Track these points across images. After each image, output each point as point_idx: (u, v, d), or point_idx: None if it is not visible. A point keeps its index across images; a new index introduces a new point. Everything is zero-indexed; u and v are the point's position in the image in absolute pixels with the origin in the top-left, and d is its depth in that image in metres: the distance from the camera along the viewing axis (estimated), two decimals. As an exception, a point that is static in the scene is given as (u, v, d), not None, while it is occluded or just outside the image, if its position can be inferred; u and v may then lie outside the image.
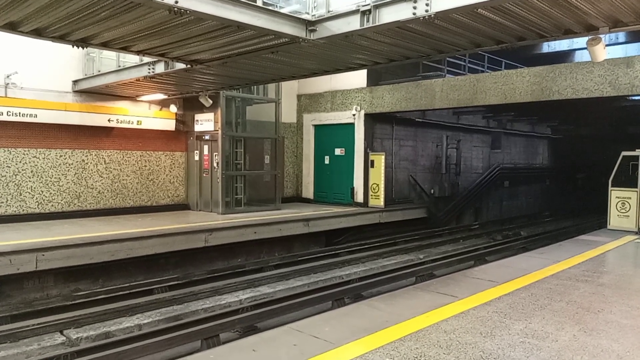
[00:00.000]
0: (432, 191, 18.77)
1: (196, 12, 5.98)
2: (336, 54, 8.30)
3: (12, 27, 7.19)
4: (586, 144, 27.02)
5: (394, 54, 8.22)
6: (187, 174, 15.44)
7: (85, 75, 12.71)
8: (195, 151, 15.14)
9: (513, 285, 6.72)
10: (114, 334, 7.01)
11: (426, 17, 5.90)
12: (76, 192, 13.03)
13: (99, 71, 12.18)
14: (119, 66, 11.34)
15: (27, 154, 12.20)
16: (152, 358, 6.20)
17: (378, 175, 16.18)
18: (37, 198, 12.36)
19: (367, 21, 6.50)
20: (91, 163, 13.32)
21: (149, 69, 10.29)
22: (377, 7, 6.39)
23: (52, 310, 7.89)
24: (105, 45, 8.05)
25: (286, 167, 18.05)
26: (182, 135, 15.30)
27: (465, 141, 20.36)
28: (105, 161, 13.60)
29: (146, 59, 9.96)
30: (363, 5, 6.47)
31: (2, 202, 11.82)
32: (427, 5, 5.88)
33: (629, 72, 11.56)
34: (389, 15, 6.33)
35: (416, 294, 6.46)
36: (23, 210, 12.14)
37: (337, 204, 16.83)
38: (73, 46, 7.97)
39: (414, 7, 6.00)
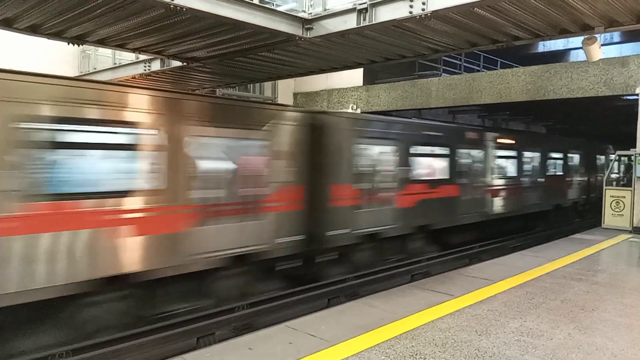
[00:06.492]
0: None
1: (193, 10, 5.97)
2: (332, 52, 8.29)
3: (8, 23, 7.16)
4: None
5: (390, 52, 8.22)
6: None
7: (81, 72, 12.67)
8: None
9: (508, 284, 6.75)
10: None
11: (422, 15, 5.91)
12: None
13: (95, 68, 12.16)
14: (115, 64, 11.31)
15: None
16: (147, 356, 6.18)
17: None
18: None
19: (364, 19, 6.50)
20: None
21: (145, 66, 10.27)
22: (373, 5, 6.40)
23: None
24: (101, 42, 8.03)
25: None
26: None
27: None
28: (100, 159, 13.50)
29: (142, 57, 9.94)
30: (360, 4, 6.47)
31: None
32: (423, 4, 5.89)
33: (623, 72, 11.63)
34: (386, 13, 6.34)
35: (412, 292, 6.48)
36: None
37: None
38: (69, 43, 7.94)
39: (411, 6, 6.01)
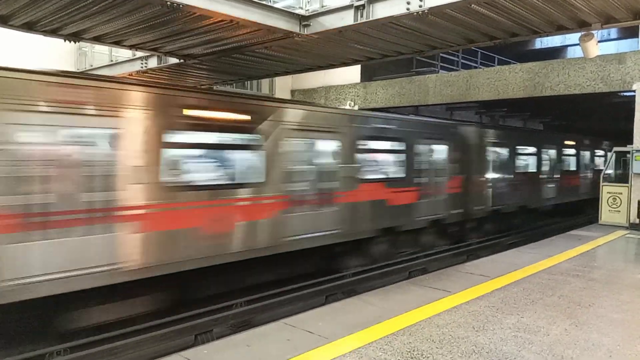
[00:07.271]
0: None
1: (189, 7, 5.96)
2: (330, 49, 8.28)
3: (3, 20, 7.13)
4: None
5: (388, 49, 8.22)
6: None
7: (78, 70, 12.62)
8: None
9: (505, 280, 6.76)
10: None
11: (420, 12, 5.91)
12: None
13: (91, 66, 12.11)
14: (112, 61, 11.27)
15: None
16: (145, 353, 6.19)
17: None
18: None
19: (361, 16, 6.49)
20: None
21: (142, 63, 10.24)
22: (370, 2, 6.39)
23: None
24: (97, 39, 8.00)
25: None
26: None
27: (458, 137, 20.22)
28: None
29: (139, 54, 9.91)
30: (357, 1, 6.47)
31: None
32: (420, 0, 5.88)
33: (620, 69, 11.64)
34: (383, 10, 6.34)
35: (409, 288, 6.49)
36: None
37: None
38: (65, 40, 7.91)
39: (408, 3, 6.01)
